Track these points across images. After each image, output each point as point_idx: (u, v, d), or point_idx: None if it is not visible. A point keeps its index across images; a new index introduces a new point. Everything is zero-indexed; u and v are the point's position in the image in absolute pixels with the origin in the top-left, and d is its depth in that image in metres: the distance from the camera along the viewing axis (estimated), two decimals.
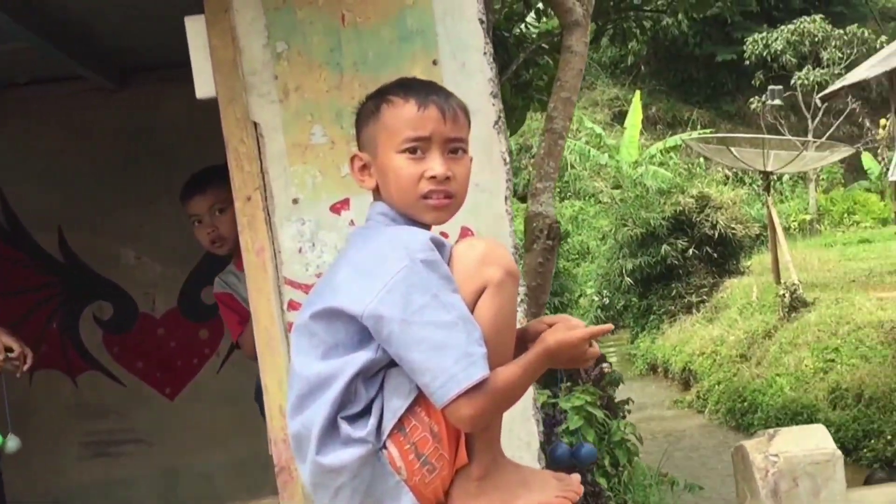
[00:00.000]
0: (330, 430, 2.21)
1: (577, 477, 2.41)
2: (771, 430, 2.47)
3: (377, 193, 2.45)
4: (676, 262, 22.46)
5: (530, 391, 3.37)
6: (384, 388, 2.24)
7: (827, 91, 24.18)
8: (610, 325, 2.50)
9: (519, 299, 3.54)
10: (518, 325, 2.50)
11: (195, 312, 6.29)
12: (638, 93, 34.19)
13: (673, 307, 22.50)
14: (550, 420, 8.15)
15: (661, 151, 30.23)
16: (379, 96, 2.43)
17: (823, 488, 2.30)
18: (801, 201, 37.75)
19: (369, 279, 2.22)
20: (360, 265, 2.28)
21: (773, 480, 2.30)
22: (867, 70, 21.49)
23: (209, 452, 6.21)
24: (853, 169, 40.31)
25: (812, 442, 2.38)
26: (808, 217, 35.96)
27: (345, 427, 2.20)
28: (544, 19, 14.20)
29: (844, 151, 21.07)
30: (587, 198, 32.84)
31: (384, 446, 2.22)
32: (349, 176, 3.29)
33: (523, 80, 13.33)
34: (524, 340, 2.37)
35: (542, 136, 10.13)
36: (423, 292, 2.16)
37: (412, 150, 2.33)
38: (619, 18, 12.86)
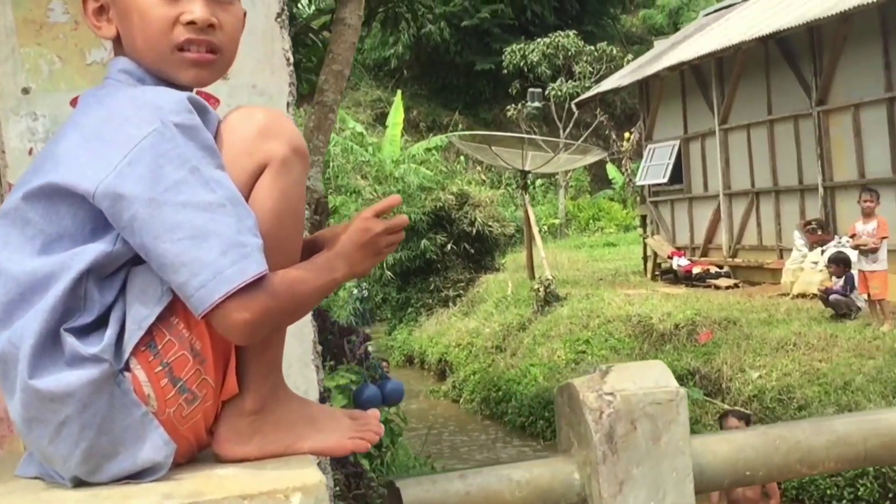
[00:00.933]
0: (49, 346, 1.55)
1: (375, 413, 1.85)
2: (603, 366, 1.98)
3: (119, 46, 1.78)
4: (435, 256, 22.36)
5: (310, 330, 2.80)
6: (126, 292, 1.60)
7: (582, 97, 24.64)
8: (397, 197, 1.87)
9: None
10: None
11: None
12: (399, 93, 34.05)
13: (430, 300, 22.37)
14: None
15: (423, 151, 30.15)
16: None
17: (665, 432, 1.87)
18: (551, 206, 38.70)
19: (104, 146, 1.59)
20: (91, 129, 1.63)
21: (609, 423, 1.81)
22: (619, 80, 22.03)
23: None
24: (599, 179, 41.77)
25: (651, 379, 1.92)
26: (557, 221, 36.90)
27: (71, 341, 1.54)
28: None
29: (596, 155, 21.52)
30: (349, 193, 32.37)
31: (126, 367, 1.57)
32: (97, 63, 2.63)
33: (293, 61, 12.75)
34: (313, 252, 1.78)
35: (313, 108, 9.57)
36: (179, 165, 1.56)
37: None
38: (392, 4, 12.49)
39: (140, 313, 1.59)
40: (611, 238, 31.70)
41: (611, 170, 37.55)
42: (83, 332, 1.58)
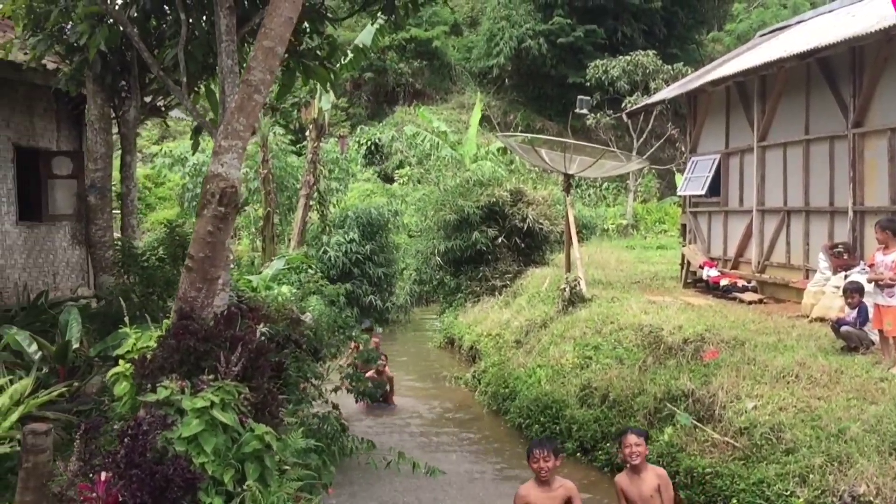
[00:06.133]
0: None
1: None
2: None
3: None
4: (486, 248, 20.05)
5: None
6: None
7: (632, 109, 21.92)
8: None
9: None
10: None
11: None
12: (478, 95, 31.78)
13: (479, 288, 20.10)
14: (151, 422, 5.41)
15: (496, 151, 27.88)
16: None
17: None
18: (621, 208, 36.07)
19: None
20: None
21: None
22: (668, 92, 19.29)
23: None
24: (669, 185, 39.02)
25: None
26: (624, 222, 34.23)
27: None
28: None
29: (637, 163, 18.87)
30: (435, 184, 30.28)
31: None
32: None
33: (305, 47, 10.61)
34: None
35: (236, 88, 7.38)
36: None
37: None
38: None
39: None
40: (664, 241, 28.78)
41: (678, 178, 34.60)
42: None
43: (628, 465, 7.02)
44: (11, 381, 7.51)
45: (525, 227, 20.30)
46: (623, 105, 33.40)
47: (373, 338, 14.54)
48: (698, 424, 9.71)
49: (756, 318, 12.54)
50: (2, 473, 6.60)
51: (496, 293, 19.58)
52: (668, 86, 32.49)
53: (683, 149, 31.72)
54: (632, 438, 6.90)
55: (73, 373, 8.64)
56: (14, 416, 6.74)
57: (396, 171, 36.39)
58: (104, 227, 10.99)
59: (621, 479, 7.03)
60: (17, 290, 11.66)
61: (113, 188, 11.42)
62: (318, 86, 13.73)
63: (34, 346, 8.79)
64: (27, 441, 5.54)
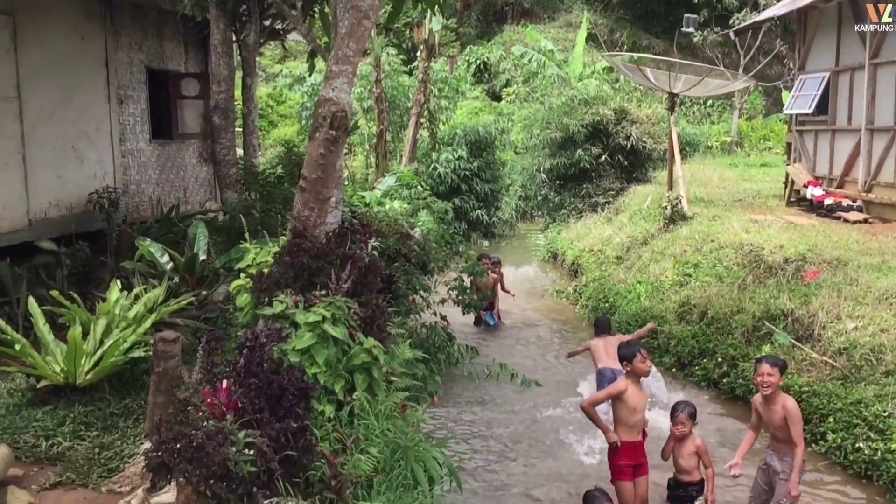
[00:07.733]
0: None
1: None
2: None
3: None
4: (589, 165, 19.65)
5: None
6: None
7: (739, 27, 20.83)
8: None
9: None
10: None
11: None
12: (585, 15, 30.74)
13: (582, 205, 19.79)
14: (267, 335, 5.50)
15: (601, 69, 27.03)
16: None
17: None
18: (725, 125, 34.68)
19: None
20: None
21: None
22: (778, 9, 18.22)
23: None
24: (776, 103, 37.24)
25: None
26: (728, 139, 32.95)
27: None
28: None
29: (744, 82, 17.99)
30: (541, 103, 29.68)
31: None
32: None
33: None
34: None
35: (346, 13, 7.25)
36: None
37: None
38: None
39: None
40: (768, 159, 27.59)
41: (785, 94, 32.89)
42: None
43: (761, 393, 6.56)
44: (146, 290, 7.80)
45: (628, 146, 19.78)
46: (731, 22, 31.79)
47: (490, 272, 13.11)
48: (797, 343, 9.42)
49: (860, 239, 11.97)
50: (137, 374, 6.91)
51: (598, 210, 19.26)
52: (778, 2, 30.77)
53: (791, 65, 30.16)
54: (765, 368, 6.37)
55: (200, 282, 8.91)
56: (147, 323, 6.99)
57: (504, 90, 35.83)
58: (227, 146, 11.18)
59: (758, 400, 6.58)
60: (152, 204, 12.05)
61: (236, 108, 11.58)
62: None
63: (166, 257, 9.09)
64: (158, 348, 5.74)
